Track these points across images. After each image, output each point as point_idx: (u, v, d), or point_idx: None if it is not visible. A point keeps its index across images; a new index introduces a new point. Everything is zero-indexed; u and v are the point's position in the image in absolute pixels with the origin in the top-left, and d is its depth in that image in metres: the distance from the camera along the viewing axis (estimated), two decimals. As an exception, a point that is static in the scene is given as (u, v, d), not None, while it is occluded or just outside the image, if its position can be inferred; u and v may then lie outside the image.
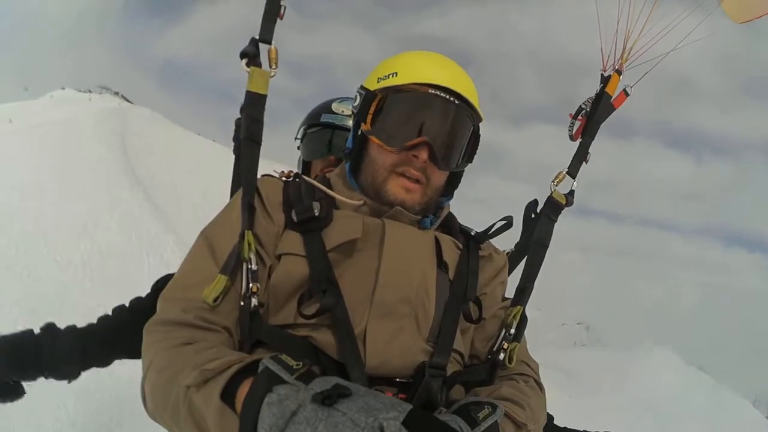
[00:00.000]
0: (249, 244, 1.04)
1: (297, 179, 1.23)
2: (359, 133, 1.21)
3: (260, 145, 1.17)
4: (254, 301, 1.02)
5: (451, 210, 1.33)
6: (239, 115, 1.26)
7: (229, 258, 1.03)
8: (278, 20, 1.20)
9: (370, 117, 1.17)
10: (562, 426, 1.82)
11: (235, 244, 1.04)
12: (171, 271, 1.19)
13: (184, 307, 1.01)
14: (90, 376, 1.50)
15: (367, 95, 1.19)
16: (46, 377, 1.39)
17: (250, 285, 1.02)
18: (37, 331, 1.41)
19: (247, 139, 1.17)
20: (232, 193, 1.41)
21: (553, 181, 1.46)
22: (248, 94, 1.18)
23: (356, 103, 1.23)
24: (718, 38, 1.59)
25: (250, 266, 1.03)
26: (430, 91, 1.14)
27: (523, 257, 1.42)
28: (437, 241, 1.19)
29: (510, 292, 1.33)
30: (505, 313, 1.26)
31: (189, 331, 0.98)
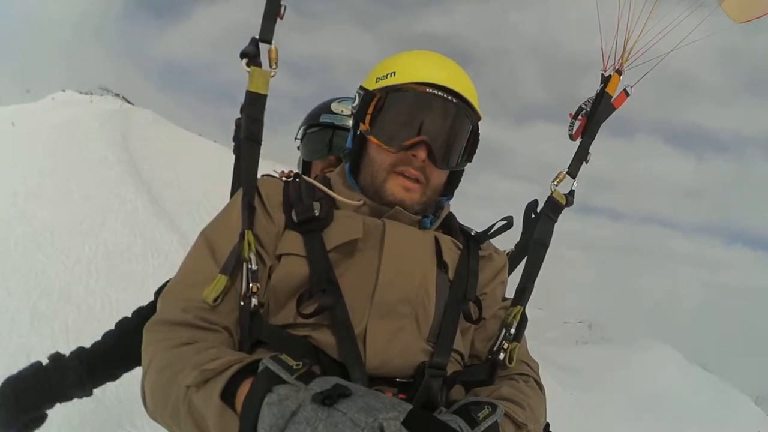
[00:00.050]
0: (249, 244, 1.04)
1: (297, 179, 1.23)
2: (358, 133, 1.21)
3: (260, 144, 1.17)
4: (254, 301, 1.02)
5: (451, 210, 1.32)
6: (239, 115, 1.26)
7: (229, 258, 1.03)
8: (278, 20, 1.20)
9: (368, 117, 1.17)
10: None
11: (235, 244, 1.04)
12: (175, 271, 1.20)
13: (184, 307, 1.01)
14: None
15: (366, 95, 1.19)
16: (61, 402, 1.44)
17: (250, 285, 1.02)
18: (45, 362, 1.45)
19: (248, 139, 1.17)
20: (233, 193, 1.41)
21: (553, 181, 1.46)
22: (248, 94, 1.18)
23: (355, 103, 1.23)
24: (719, 34, 1.59)
25: (250, 266, 1.03)
26: (428, 90, 1.14)
27: (524, 257, 1.42)
28: (437, 241, 1.19)
29: (510, 292, 1.32)
30: (505, 313, 1.26)
31: (189, 331, 0.98)
